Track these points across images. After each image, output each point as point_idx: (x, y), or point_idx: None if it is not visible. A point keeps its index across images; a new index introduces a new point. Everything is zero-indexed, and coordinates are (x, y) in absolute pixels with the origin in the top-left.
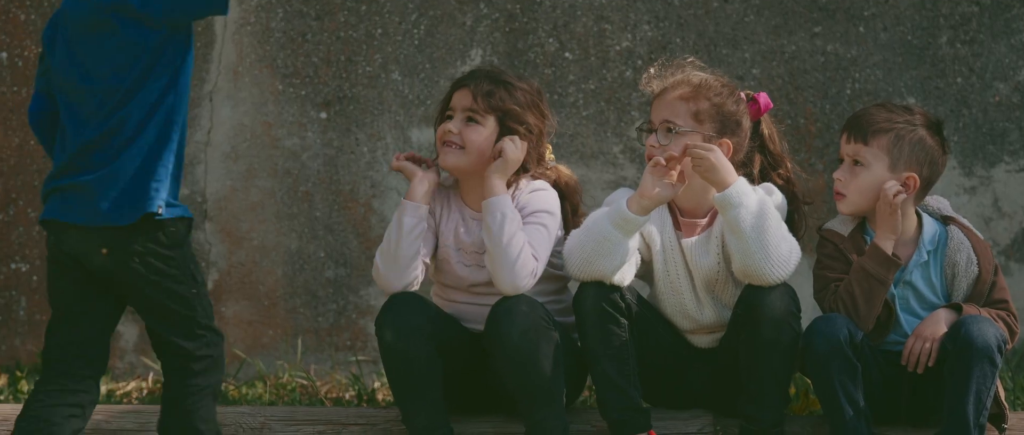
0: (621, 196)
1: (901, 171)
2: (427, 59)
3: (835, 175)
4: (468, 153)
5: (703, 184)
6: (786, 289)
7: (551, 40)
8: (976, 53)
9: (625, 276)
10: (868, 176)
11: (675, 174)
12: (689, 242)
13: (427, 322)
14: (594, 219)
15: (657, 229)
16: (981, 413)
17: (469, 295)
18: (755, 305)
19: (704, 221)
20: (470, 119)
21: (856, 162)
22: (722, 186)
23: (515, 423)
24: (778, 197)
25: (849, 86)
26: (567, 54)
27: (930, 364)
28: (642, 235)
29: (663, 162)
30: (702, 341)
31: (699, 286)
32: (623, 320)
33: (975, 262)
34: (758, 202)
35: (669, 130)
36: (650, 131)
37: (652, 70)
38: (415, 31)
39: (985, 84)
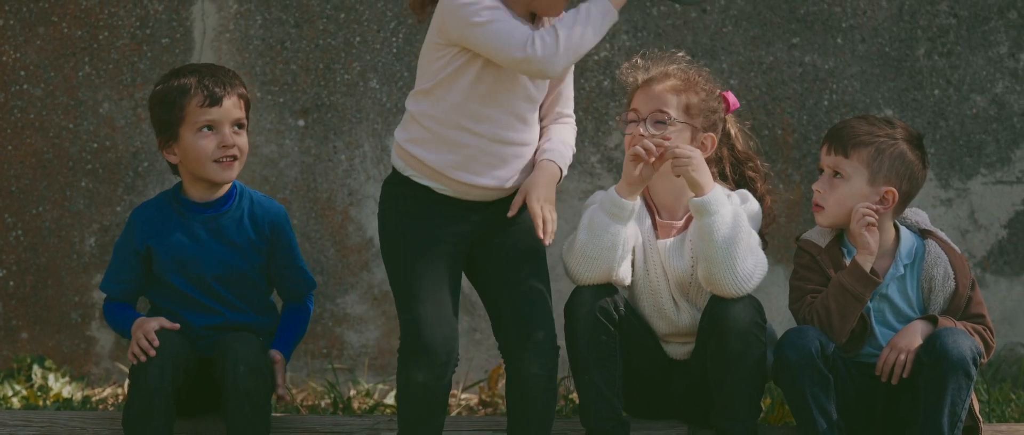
0: (600, 197)
1: (880, 184)
2: (405, 67)
3: (814, 186)
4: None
5: (683, 183)
6: (750, 301)
7: None
8: (953, 65)
9: (625, 274)
10: (847, 188)
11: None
12: (664, 243)
13: (453, 361)
14: (588, 218)
15: (638, 227)
16: (956, 425)
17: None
18: (720, 318)
19: (680, 223)
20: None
21: (836, 174)
22: (700, 189)
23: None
24: (753, 205)
25: (826, 97)
26: None
27: (905, 375)
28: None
29: (644, 154)
30: (678, 351)
31: (673, 288)
32: (613, 330)
33: (952, 276)
34: (733, 214)
35: (661, 122)
36: (635, 121)
37: (638, 59)
38: (393, 39)
39: (962, 96)
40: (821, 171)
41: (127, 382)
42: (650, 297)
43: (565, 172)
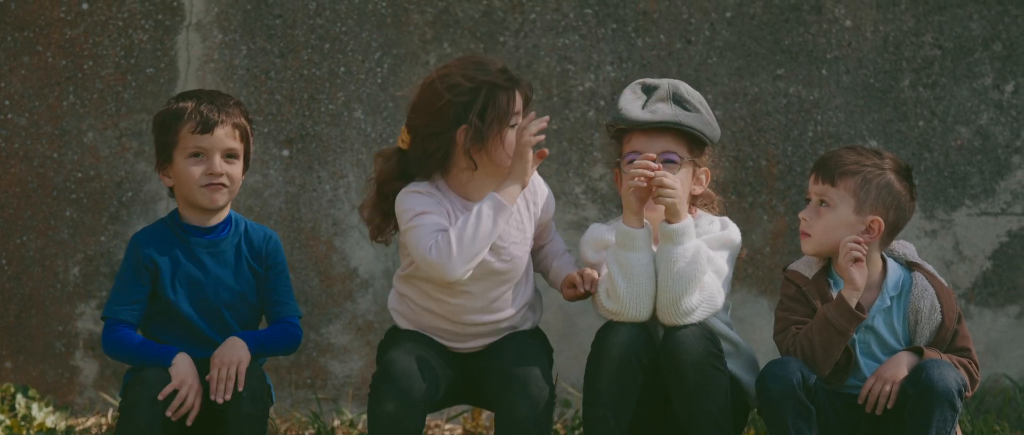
0: (604, 231)
1: (866, 214)
2: (390, 98)
3: (801, 215)
4: None
5: (659, 216)
6: (700, 331)
7: None
8: (938, 97)
9: (644, 246)
10: (833, 217)
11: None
12: None
13: (429, 389)
14: (616, 266)
15: None
16: None
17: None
18: (673, 353)
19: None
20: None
21: (822, 202)
22: (676, 217)
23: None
24: (734, 234)
25: (811, 128)
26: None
27: (889, 406)
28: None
29: (643, 183)
30: None
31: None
32: (640, 373)
33: (939, 309)
34: (695, 249)
35: (671, 162)
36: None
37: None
38: (378, 70)
39: (947, 128)
40: (808, 200)
41: (113, 412)
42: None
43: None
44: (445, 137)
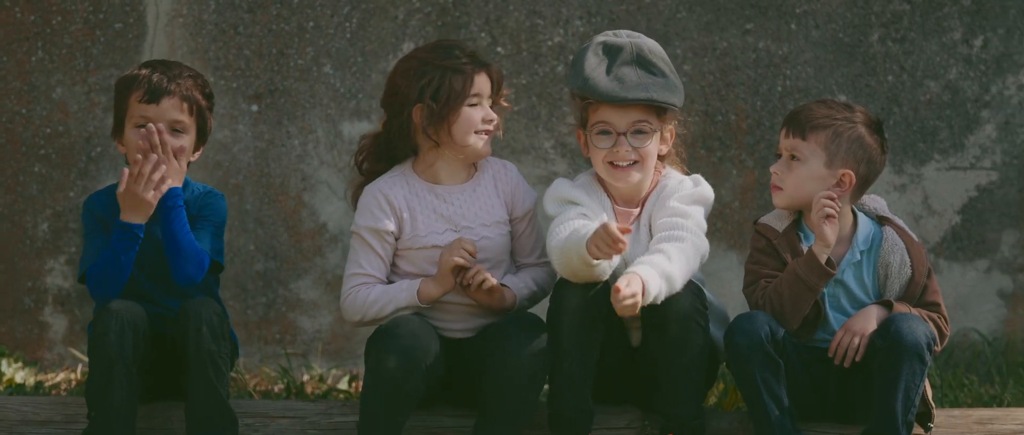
0: (568, 187)
1: (837, 167)
2: (359, 53)
3: (772, 168)
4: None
5: (641, 179)
6: (690, 287)
7: (483, 34)
8: (907, 51)
9: (605, 272)
10: (804, 170)
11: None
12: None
13: (428, 352)
14: (570, 246)
15: (600, 209)
16: (909, 410)
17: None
18: (661, 305)
19: (636, 210)
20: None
21: (793, 157)
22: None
23: (471, 417)
24: (706, 190)
25: (780, 83)
26: (499, 49)
27: (858, 359)
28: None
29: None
30: (638, 337)
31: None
32: (600, 324)
33: (909, 264)
34: (667, 282)
35: (643, 132)
36: (607, 133)
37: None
38: (347, 24)
39: (916, 82)
40: (779, 155)
41: (82, 367)
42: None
43: (519, 301)
44: (405, 117)
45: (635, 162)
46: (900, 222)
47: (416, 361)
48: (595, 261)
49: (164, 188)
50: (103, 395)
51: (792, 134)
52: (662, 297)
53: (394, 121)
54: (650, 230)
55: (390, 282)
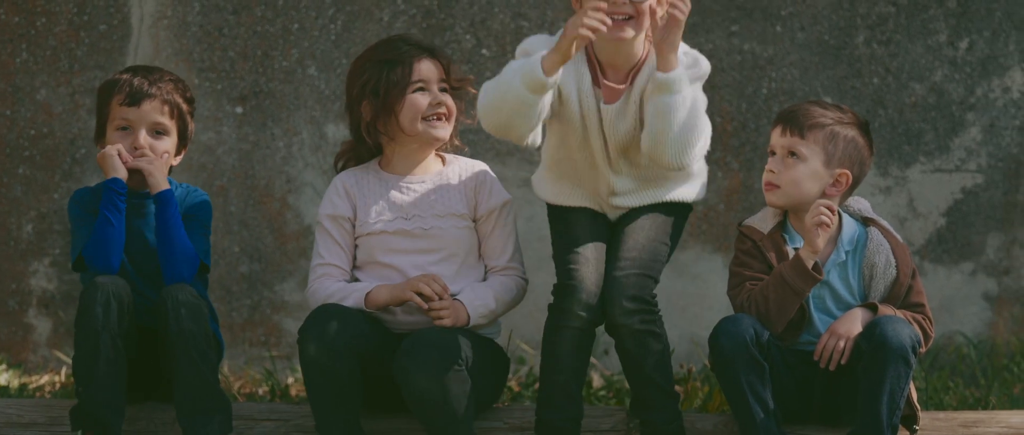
0: (538, 44)
1: (834, 167)
2: (344, 54)
3: (768, 167)
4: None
5: (635, 39)
6: (633, 298)
7: (468, 36)
8: (892, 53)
9: (536, 137)
10: (804, 168)
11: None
12: (610, 108)
13: (353, 337)
14: (508, 74)
15: (574, 87)
16: (894, 413)
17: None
18: (612, 325)
19: (624, 84)
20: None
21: (791, 154)
22: (668, 64)
23: None
24: (705, 65)
25: (765, 85)
26: (484, 50)
27: (842, 362)
28: (558, 90)
29: (598, 28)
30: (623, 201)
31: (613, 151)
32: (593, 333)
33: (894, 264)
34: (692, 97)
35: None
36: None
37: None
38: (332, 26)
39: (901, 84)
40: (772, 153)
41: (66, 370)
42: (585, 157)
43: (474, 320)
44: (356, 117)
45: (630, 18)
46: (885, 223)
47: (337, 345)
48: (541, 83)
49: (144, 158)
50: (90, 367)
51: (790, 132)
52: (682, 79)
53: (351, 123)
54: (640, 108)
55: (354, 269)
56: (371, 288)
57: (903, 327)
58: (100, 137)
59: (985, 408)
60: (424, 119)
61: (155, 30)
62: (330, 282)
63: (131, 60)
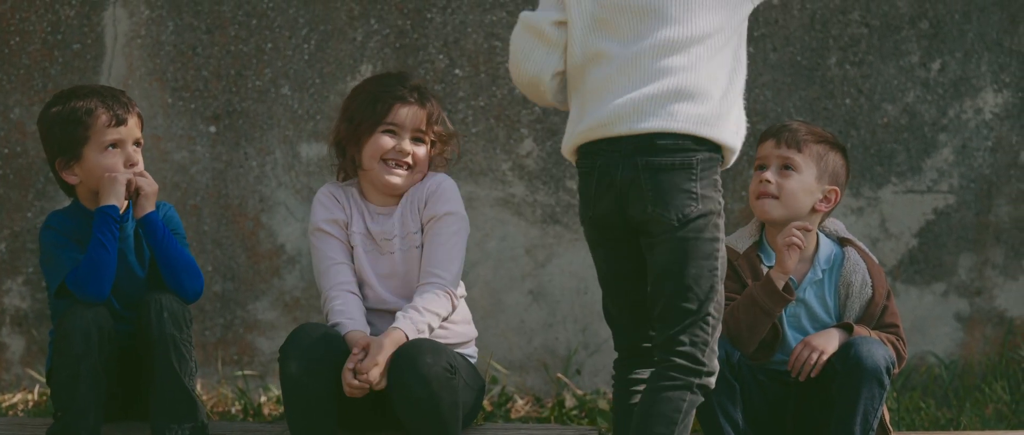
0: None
1: (825, 184)
2: (317, 74)
3: (763, 177)
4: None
5: None
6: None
7: (441, 57)
8: (865, 75)
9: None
10: (800, 180)
11: None
12: None
13: (334, 356)
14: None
15: None
16: (867, 433)
17: (377, 291)
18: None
19: None
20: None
21: (785, 166)
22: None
23: None
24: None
25: None
26: (457, 71)
27: (813, 375)
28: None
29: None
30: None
31: None
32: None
33: (870, 284)
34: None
35: None
36: None
37: None
38: (305, 46)
39: (874, 105)
40: (760, 167)
41: (40, 388)
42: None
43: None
44: (337, 133)
45: None
46: (860, 244)
47: (319, 365)
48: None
49: (145, 180)
50: (70, 393)
51: (785, 144)
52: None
53: (333, 140)
54: None
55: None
56: (352, 328)
57: (878, 348)
58: (73, 161)
59: (957, 428)
60: (383, 160)
61: (128, 49)
62: (343, 300)
63: (105, 79)
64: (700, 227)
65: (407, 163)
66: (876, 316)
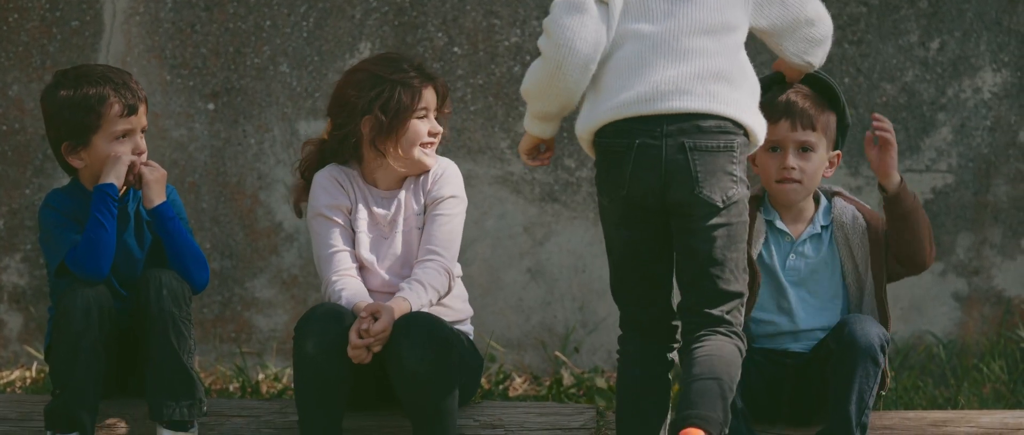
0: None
1: (830, 150)
2: (316, 52)
3: (789, 163)
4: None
5: None
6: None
7: (440, 34)
8: (864, 54)
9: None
10: (817, 160)
11: None
12: None
13: (348, 336)
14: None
15: None
16: (863, 412)
17: (378, 272)
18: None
19: None
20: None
21: (804, 148)
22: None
23: (398, 417)
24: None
25: None
26: (456, 49)
27: (887, 134)
28: None
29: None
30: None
31: None
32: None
33: (861, 217)
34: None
35: None
36: None
37: None
38: (304, 24)
39: (872, 85)
40: (774, 149)
41: (38, 365)
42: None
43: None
44: (353, 128)
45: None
46: (847, 193)
47: (335, 343)
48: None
49: (149, 168)
50: (69, 370)
51: (801, 126)
52: None
53: (340, 130)
54: None
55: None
56: (359, 298)
57: (871, 326)
58: (80, 147)
59: (954, 408)
60: (420, 145)
61: (127, 26)
62: (346, 283)
63: (103, 56)
64: (739, 210)
65: (436, 143)
66: (882, 242)
